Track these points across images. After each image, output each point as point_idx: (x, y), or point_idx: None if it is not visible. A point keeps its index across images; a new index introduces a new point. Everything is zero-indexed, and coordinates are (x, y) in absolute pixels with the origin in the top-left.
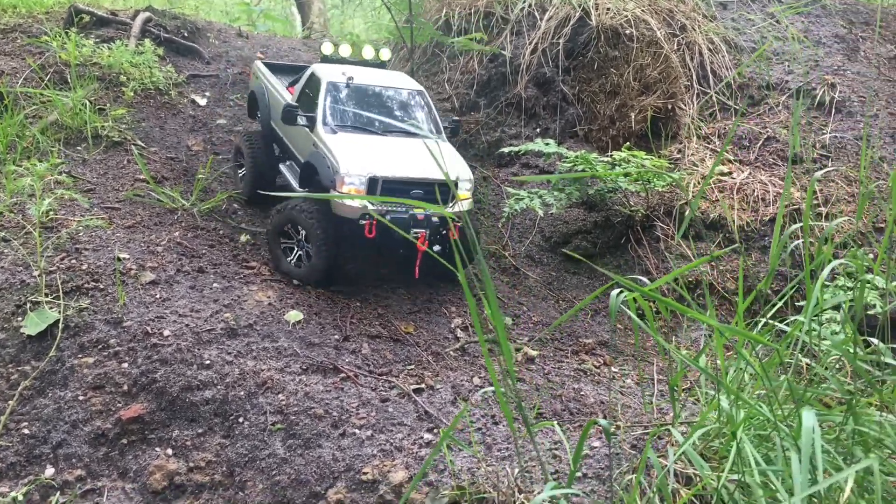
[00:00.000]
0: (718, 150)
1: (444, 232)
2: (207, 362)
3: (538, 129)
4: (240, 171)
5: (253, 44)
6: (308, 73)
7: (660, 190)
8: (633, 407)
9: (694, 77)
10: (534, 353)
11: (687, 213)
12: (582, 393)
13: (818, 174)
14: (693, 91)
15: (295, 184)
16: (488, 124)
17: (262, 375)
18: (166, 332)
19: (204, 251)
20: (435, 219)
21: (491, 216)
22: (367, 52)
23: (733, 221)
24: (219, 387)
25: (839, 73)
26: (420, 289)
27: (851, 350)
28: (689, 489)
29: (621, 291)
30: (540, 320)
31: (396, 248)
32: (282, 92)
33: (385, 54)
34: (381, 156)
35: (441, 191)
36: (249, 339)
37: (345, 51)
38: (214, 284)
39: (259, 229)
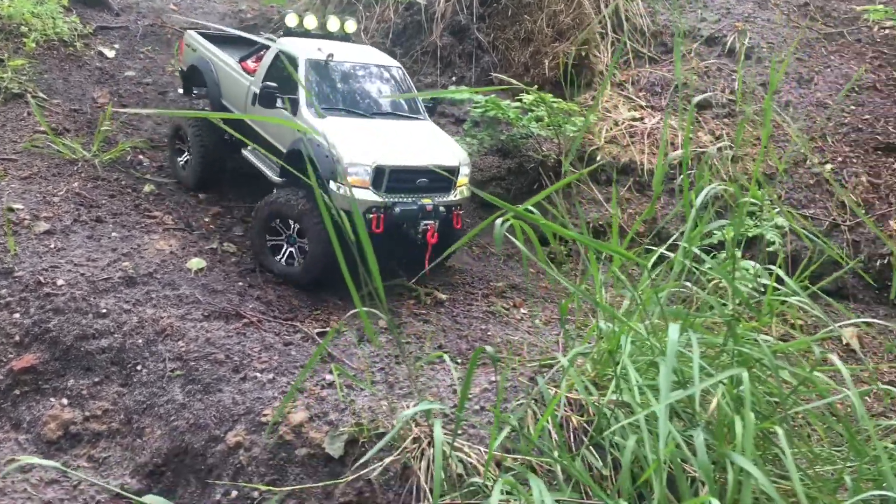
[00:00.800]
0: (631, 97)
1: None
2: (104, 311)
3: (454, 78)
4: (179, 159)
5: None
6: (275, 48)
7: (571, 135)
8: (539, 346)
9: (609, 25)
10: (443, 296)
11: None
12: (489, 333)
13: (696, 99)
14: (608, 39)
15: (271, 174)
16: None
17: (162, 323)
18: (60, 282)
19: (104, 201)
20: (442, 209)
21: None
22: (333, 25)
23: (642, 165)
24: (116, 335)
25: (750, 21)
26: None
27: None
28: (581, 416)
29: (507, 221)
30: (451, 265)
31: (409, 242)
32: (235, 68)
33: (350, 26)
34: (382, 142)
35: (442, 178)
36: (149, 288)
37: (310, 23)
38: (113, 234)
39: (164, 180)
